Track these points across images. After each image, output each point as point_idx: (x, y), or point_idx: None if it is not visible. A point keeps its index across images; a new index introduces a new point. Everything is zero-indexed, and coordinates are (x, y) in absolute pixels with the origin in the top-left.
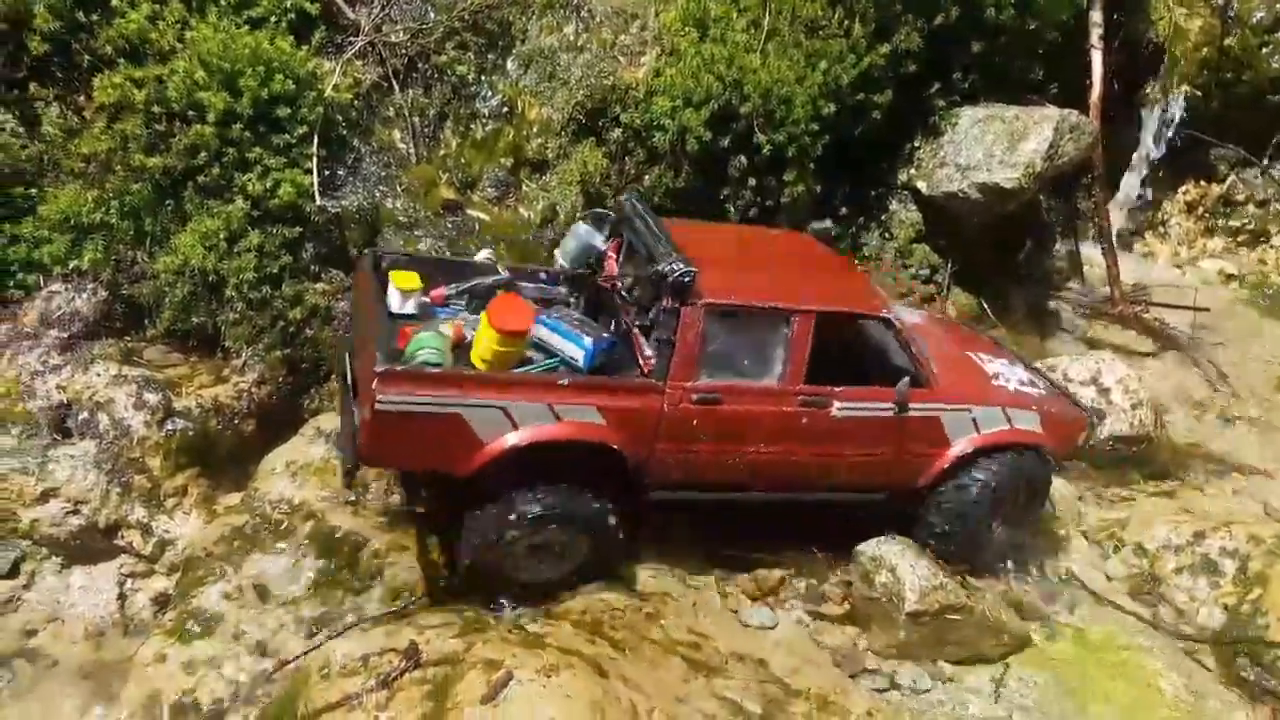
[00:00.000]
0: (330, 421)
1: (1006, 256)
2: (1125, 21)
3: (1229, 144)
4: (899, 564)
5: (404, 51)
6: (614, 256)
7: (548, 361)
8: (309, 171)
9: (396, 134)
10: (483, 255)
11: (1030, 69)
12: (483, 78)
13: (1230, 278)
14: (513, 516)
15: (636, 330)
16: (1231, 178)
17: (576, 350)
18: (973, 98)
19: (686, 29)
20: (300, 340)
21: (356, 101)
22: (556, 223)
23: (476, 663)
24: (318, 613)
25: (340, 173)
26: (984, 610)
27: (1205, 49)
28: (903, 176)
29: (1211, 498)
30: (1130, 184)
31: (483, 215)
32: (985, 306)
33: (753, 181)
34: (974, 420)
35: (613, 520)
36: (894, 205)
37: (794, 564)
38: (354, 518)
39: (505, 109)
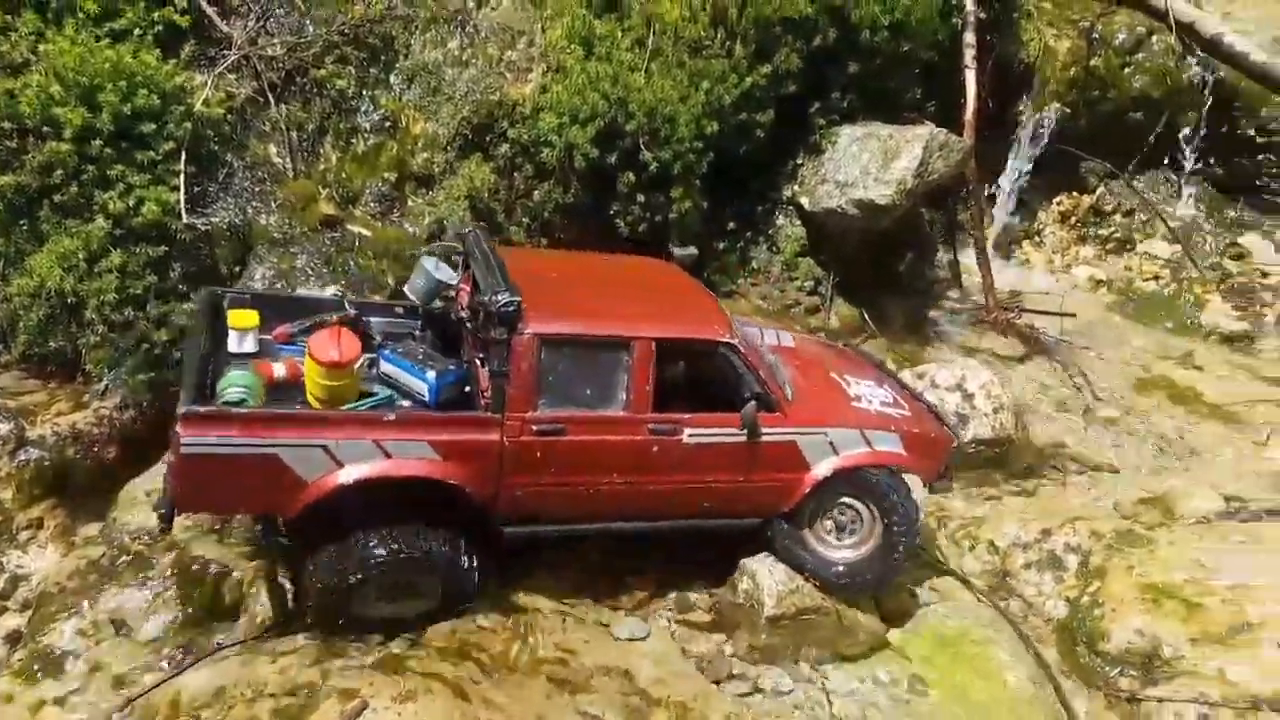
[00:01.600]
0: None
1: (888, 268)
2: (998, 43)
3: (1096, 158)
4: (758, 570)
5: (281, 65)
6: (465, 289)
7: (378, 398)
8: (175, 188)
9: (273, 149)
10: (330, 291)
11: (908, 88)
12: (364, 92)
13: (1099, 283)
14: (356, 560)
15: (478, 362)
16: (1100, 189)
17: (420, 384)
18: (854, 116)
19: (572, 47)
20: (167, 363)
21: (230, 116)
22: (443, 238)
23: (332, 692)
24: (177, 646)
25: (211, 189)
26: (841, 610)
27: (1073, 69)
28: (787, 193)
29: (1065, 496)
30: (1006, 196)
31: (364, 230)
32: (866, 317)
33: (641, 198)
34: (830, 443)
35: (464, 559)
36: (780, 220)
37: (666, 575)
38: (218, 547)
39: (388, 123)
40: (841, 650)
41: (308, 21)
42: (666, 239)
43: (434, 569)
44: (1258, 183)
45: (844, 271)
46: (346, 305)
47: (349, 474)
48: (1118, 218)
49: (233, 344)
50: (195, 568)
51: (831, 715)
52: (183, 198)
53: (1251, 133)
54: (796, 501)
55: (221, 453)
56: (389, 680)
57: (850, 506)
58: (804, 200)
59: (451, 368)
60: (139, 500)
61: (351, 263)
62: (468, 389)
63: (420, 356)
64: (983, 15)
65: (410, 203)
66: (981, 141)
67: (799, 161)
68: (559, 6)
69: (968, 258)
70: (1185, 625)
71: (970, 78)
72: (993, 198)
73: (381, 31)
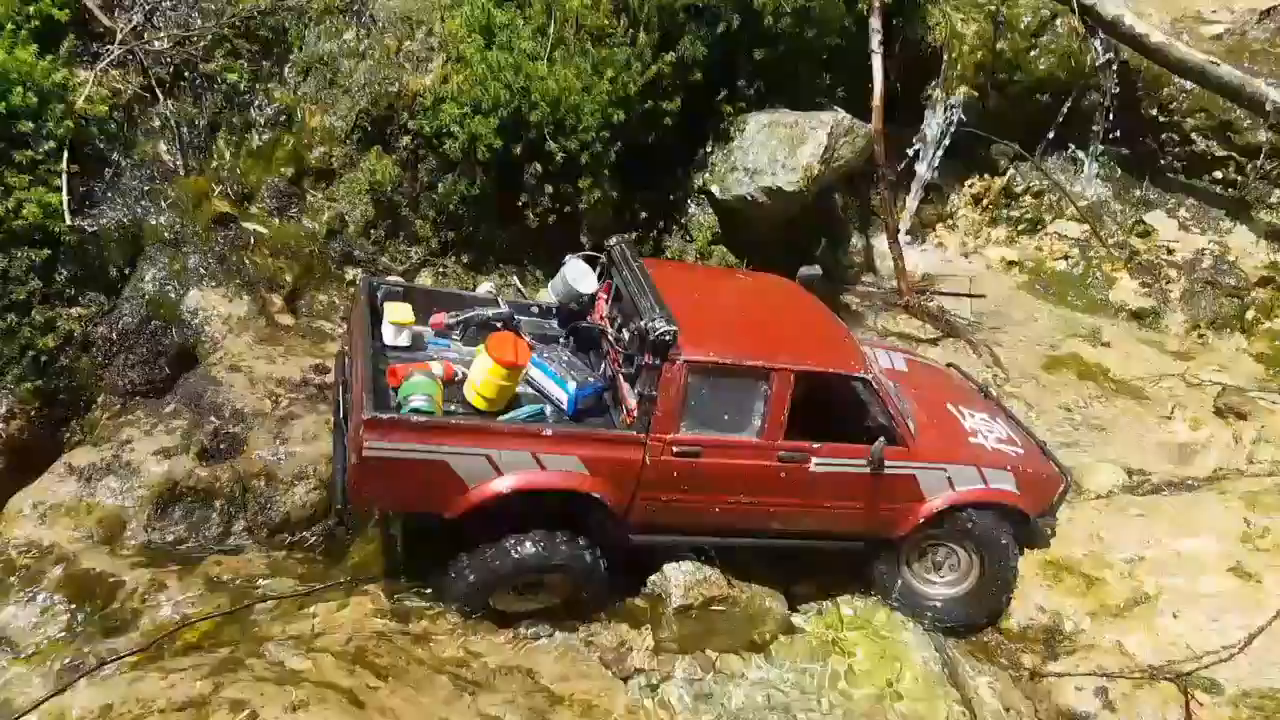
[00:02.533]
0: (84, 457)
1: (802, 253)
2: (904, 27)
3: (1005, 140)
4: (666, 562)
5: (169, 60)
6: (604, 298)
7: (531, 408)
8: (58, 189)
9: (162, 146)
10: (484, 289)
11: (817, 75)
12: (258, 85)
13: (1012, 264)
14: (509, 560)
15: (622, 377)
16: (1011, 171)
17: (562, 394)
18: (763, 104)
19: (472, 36)
20: (55, 369)
21: (116, 113)
22: (345, 233)
23: (222, 704)
24: (66, 661)
25: (98, 189)
26: (749, 599)
27: (980, 52)
28: (698, 181)
29: None
30: (918, 180)
31: (261, 228)
32: None
33: (550, 188)
34: (949, 479)
35: (600, 565)
36: (692, 209)
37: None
38: (110, 558)
39: (284, 117)
40: (750, 638)
41: (195, 14)
42: (578, 229)
43: (576, 574)
44: (1161, 161)
45: (758, 258)
46: (500, 303)
47: (506, 482)
48: (1028, 199)
49: (388, 337)
50: (86, 580)
51: (739, 704)
52: (66, 199)
53: (1154, 112)
54: (907, 529)
55: (398, 457)
56: (280, 691)
57: (948, 547)
58: (715, 188)
59: (591, 380)
60: (25, 513)
61: (247, 261)
62: (605, 398)
63: (565, 365)
64: (888, 0)
65: (309, 198)
66: (892, 126)
67: (709, 150)
68: None
69: (881, 242)
70: (1085, 599)
71: (877, 63)
72: (906, 182)
73: (273, 23)
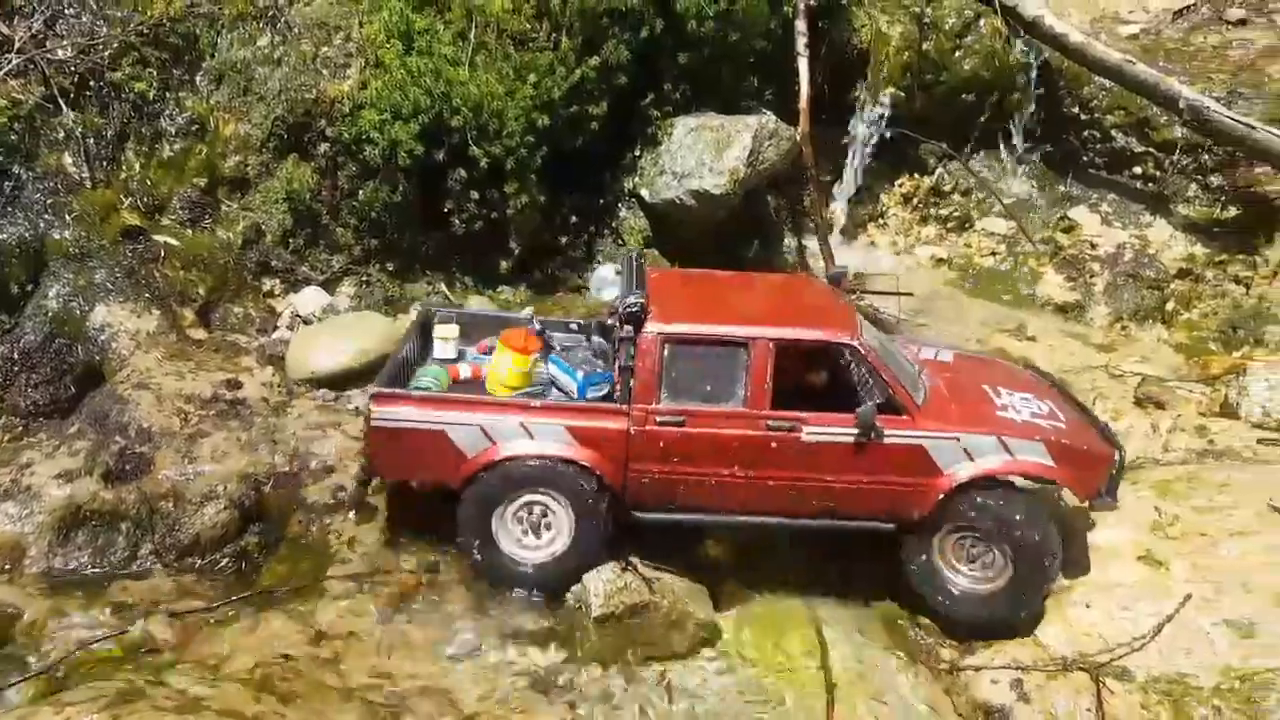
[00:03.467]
0: None
1: (734, 255)
2: (830, 29)
3: (933, 140)
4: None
5: (72, 69)
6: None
7: (532, 388)
8: None
9: (67, 158)
10: (525, 313)
11: (744, 78)
12: (168, 94)
13: (941, 261)
14: (510, 469)
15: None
16: (939, 170)
17: (572, 383)
18: (690, 107)
19: (391, 41)
20: None
21: (16, 124)
22: (262, 243)
23: None
24: None
25: None
26: (671, 605)
27: (906, 53)
28: (628, 185)
29: None
30: (848, 180)
31: (172, 240)
32: None
33: (475, 194)
34: (965, 449)
35: (600, 500)
36: (623, 212)
37: None
38: (8, 588)
39: (195, 126)
40: (673, 644)
41: (100, 22)
42: (506, 235)
43: (571, 495)
44: (1084, 158)
45: (690, 261)
46: (534, 321)
47: (500, 451)
48: (956, 197)
49: (438, 351)
50: None
51: (662, 712)
52: None
53: (1076, 110)
54: (930, 507)
55: (403, 427)
56: None
57: (976, 538)
58: (644, 192)
59: (600, 370)
60: None
61: (158, 274)
62: (616, 390)
63: (578, 361)
64: (814, 3)
65: (224, 208)
66: (821, 128)
67: (638, 153)
68: (376, 1)
69: (814, 242)
70: None
71: (803, 66)
72: (837, 182)
73: (184, 30)
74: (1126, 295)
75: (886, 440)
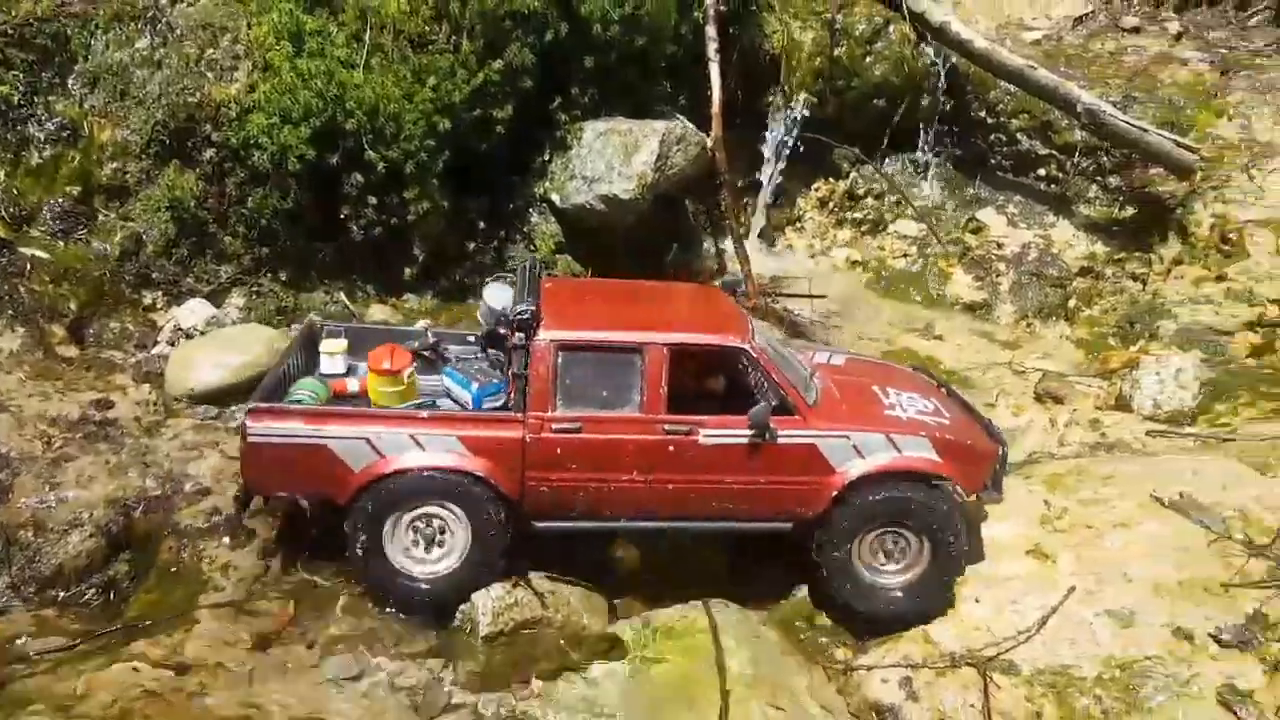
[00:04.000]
0: None
1: (652, 259)
2: (741, 35)
3: (846, 145)
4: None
5: None
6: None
7: (419, 401)
8: None
9: None
10: (421, 325)
11: (656, 82)
12: (36, 98)
13: (856, 264)
14: (391, 491)
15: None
16: (854, 174)
17: (466, 395)
18: (602, 111)
19: (281, 43)
20: None
21: None
22: (142, 254)
23: None
24: None
25: None
26: (565, 619)
27: (818, 59)
28: (539, 189)
29: None
30: (763, 184)
31: (41, 253)
32: None
33: (373, 200)
34: (854, 447)
35: (498, 510)
36: (535, 217)
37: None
38: None
39: (68, 132)
40: (568, 659)
41: None
42: (409, 241)
43: (466, 505)
44: (991, 161)
45: (605, 266)
46: (428, 334)
47: (389, 464)
48: (870, 201)
49: (325, 367)
50: None
51: None
52: None
53: (983, 114)
54: (824, 505)
55: (280, 442)
56: None
57: (894, 532)
58: (555, 197)
59: (495, 381)
60: None
61: (23, 290)
62: (510, 399)
63: (473, 373)
64: (723, 8)
65: (101, 217)
66: (737, 133)
67: (547, 158)
68: (265, 2)
69: (731, 246)
70: None
71: (714, 71)
72: (754, 186)
73: (53, 31)
74: (1031, 294)
75: (780, 441)
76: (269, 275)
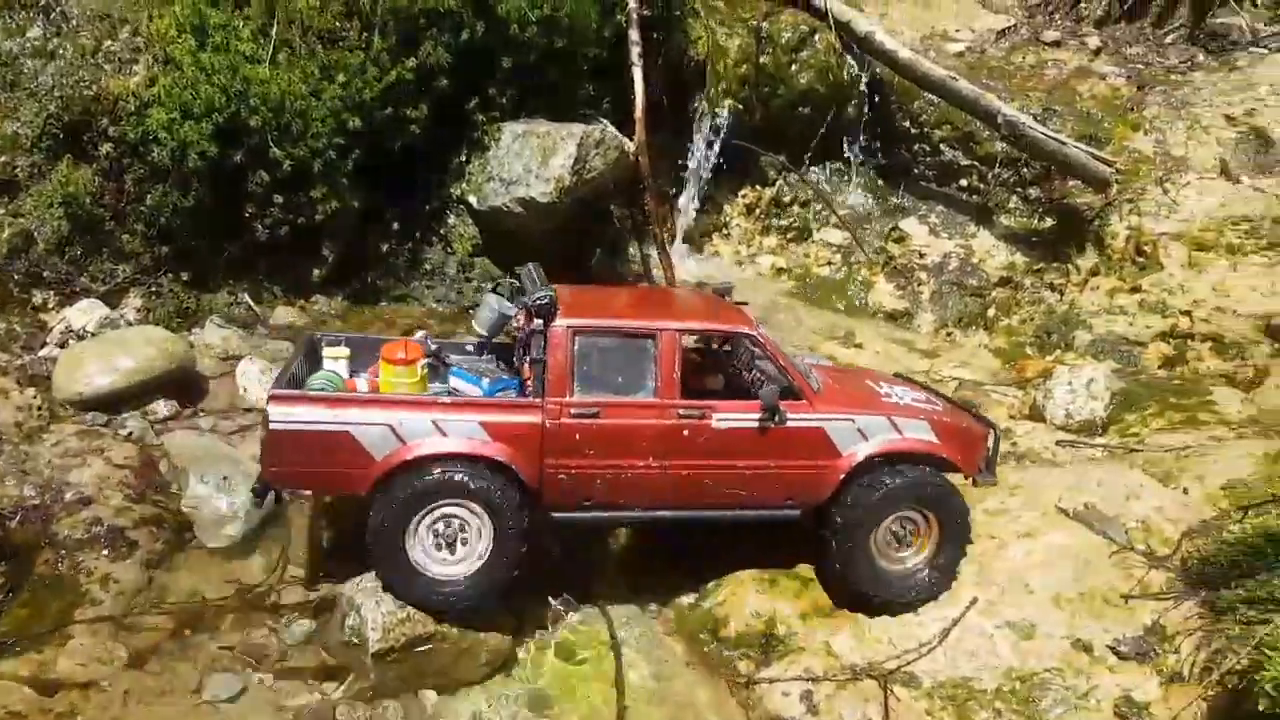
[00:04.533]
0: None
1: (577, 264)
2: (666, 40)
3: (772, 152)
4: (364, 602)
5: None
6: (522, 318)
7: (439, 388)
8: None
9: None
10: (418, 336)
11: (579, 85)
12: None
13: (781, 271)
14: (410, 488)
15: (530, 374)
16: (780, 182)
17: (476, 390)
18: (522, 112)
19: (183, 36)
20: None
21: None
22: (32, 252)
23: None
24: None
25: None
26: (460, 634)
27: (744, 66)
28: (456, 191)
29: None
30: (689, 190)
31: None
32: None
33: (279, 198)
34: (859, 430)
35: (517, 503)
36: (452, 219)
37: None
38: None
39: None
40: (463, 675)
41: None
42: (319, 242)
43: (487, 502)
44: (915, 170)
45: None
46: (429, 342)
47: (411, 451)
48: (796, 208)
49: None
50: None
51: None
52: None
53: (907, 125)
54: (832, 488)
55: (302, 429)
56: None
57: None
58: (473, 198)
59: (504, 378)
60: None
61: None
62: (528, 388)
63: (481, 371)
64: (647, 12)
65: None
66: (664, 138)
67: (465, 158)
68: None
69: (657, 252)
70: (798, 601)
71: (637, 75)
72: (680, 192)
73: None
74: (951, 303)
75: (789, 424)
76: (169, 275)
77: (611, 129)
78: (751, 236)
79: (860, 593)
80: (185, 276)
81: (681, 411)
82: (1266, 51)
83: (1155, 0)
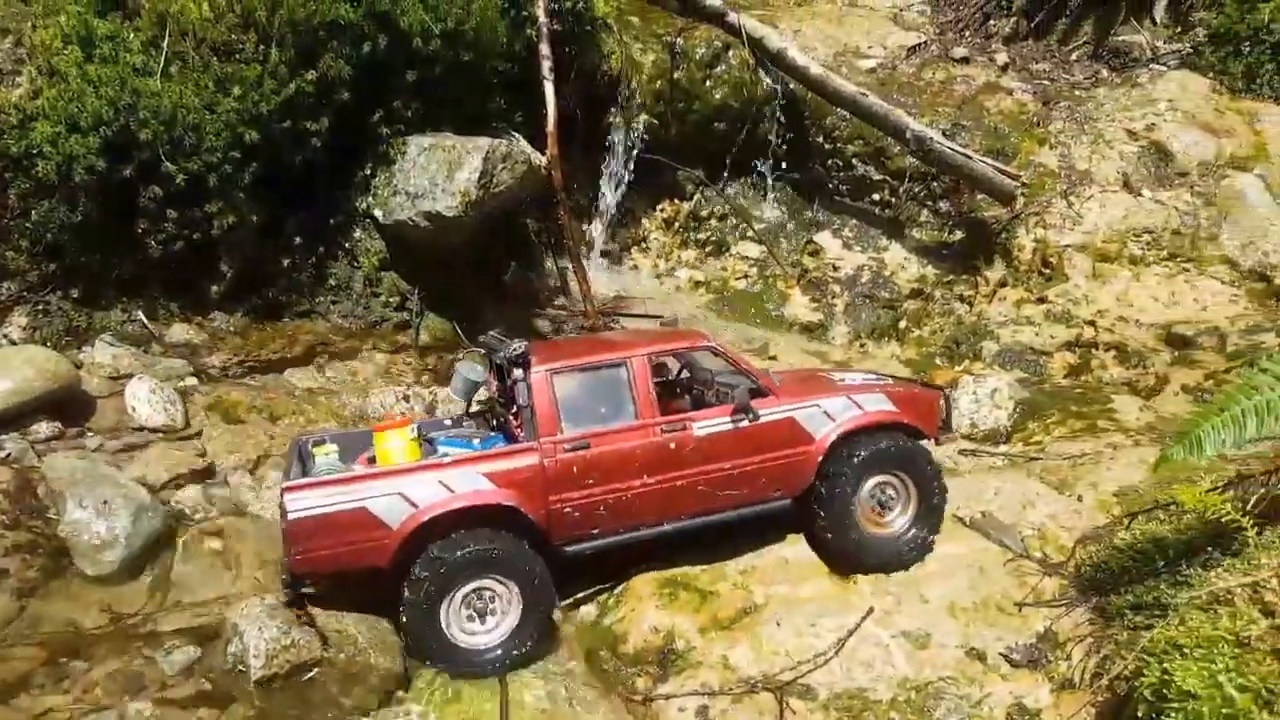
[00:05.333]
0: None
1: (491, 278)
2: (579, 55)
3: (689, 167)
4: (247, 628)
5: None
6: (494, 381)
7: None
8: None
9: None
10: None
11: (489, 99)
12: None
13: (699, 284)
14: (432, 564)
15: (508, 418)
16: (698, 196)
17: (470, 452)
18: (431, 126)
19: (69, 48)
20: None
21: None
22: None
23: None
24: None
25: None
26: (350, 658)
27: (658, 81)
28: (361, 204)
29: None
30: (605, 205)
31: None
32: (459, 330)
33: (173, 214)
34: (825, 413)
35: (539, 566)
36: (357, 233)
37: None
38: None
39: None
40: (353, 702)
41: None
42: (215, 256)
43: (512, 570)
44: (829, 185)
45: (437, 284)
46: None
47: (426, 514)
48: (713, 222)
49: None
50: None
51: None
52: None
53: (820, 140)
54: (814, 472)
55: (319, 513)
56: None
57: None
58: (378, 212)
59: (493, 435)
60: None
61: None
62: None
63: (468, 434)
64: (558, 27)
65: None
66: (581, 153)
67: (369, 172)
68: (53, 3)
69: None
70: (697, 615)
71: (549, 90)
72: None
73: None
74: (864, 315)
75: (763, 419)
76: (57, 293)
77: (522, 142)
78: (670, 250)
79: (852, 557)
80: (75, 294)
81: (664, 428)
82: (1166, 68)
83: (1061, 18)
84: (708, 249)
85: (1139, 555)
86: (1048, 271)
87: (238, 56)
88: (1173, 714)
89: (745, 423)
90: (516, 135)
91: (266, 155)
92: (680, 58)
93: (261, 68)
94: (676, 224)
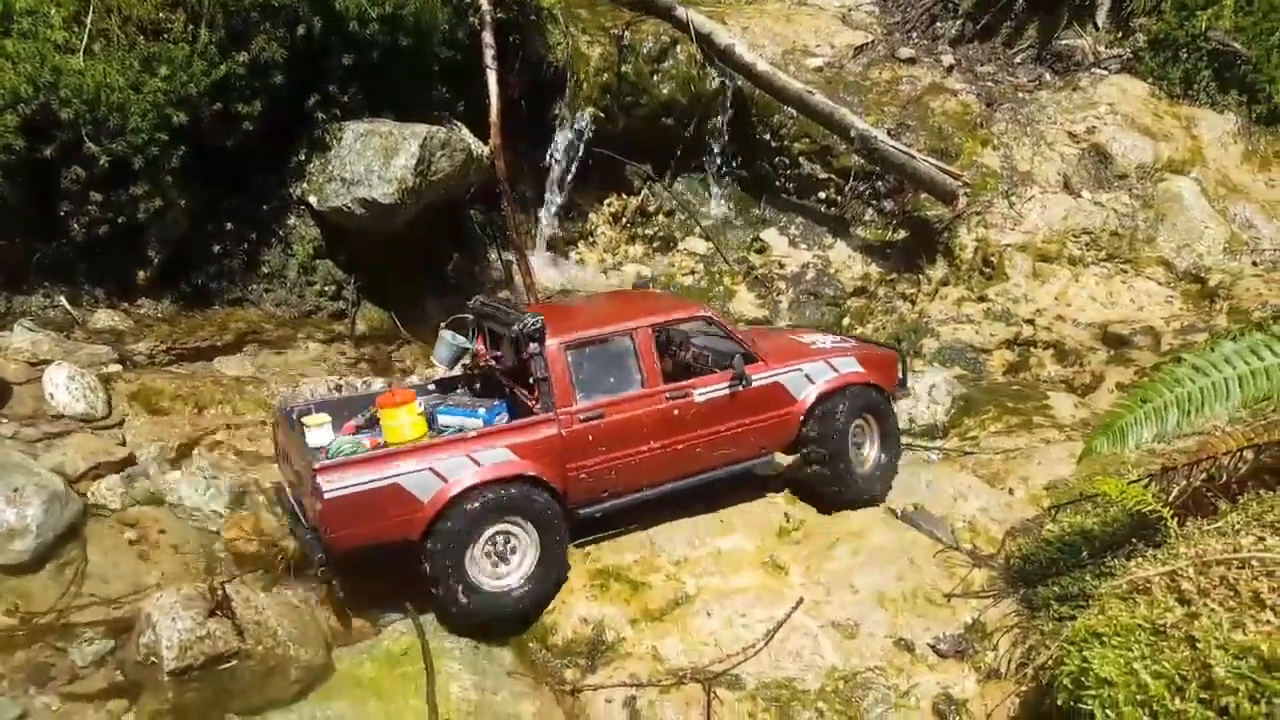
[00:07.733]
0: None
1: (432, 269)
2: (523, 44)
3: (636, 161)
4: (160, 619)
5: None
6: (483, 348)
7: (451, 430)
8: None
9: None
10: (378, 385)
11: (430, 86)
12: None
13: (646, 279)
14: (472, 508)
15: (516, 388)
16: (645, 191)
17: (476, 421)
18: (369, 112)
19: None
20: None
21: None
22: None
23: None
24: None
25: None
26: (268, 650)
27: (605, 74)
28: (296, 190)
29: None
30: (551, 197)
31: None
32: (396, 320)
33: (98, 196)
34: (806, 376)
35: (555, 510)
36: (292, 220)
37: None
38: None
39: None
40: (271, 695)
41: None
42: (142, 241)
43: (531, 515)
44: (776, 183)
45: (375, 274)
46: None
47: (455, 487)
48: (661, 218)
49: (315, 440)
50: None
51: None
52: None
53: (768, 137)
54: (797, 430)
55: (355, 491)
56: None
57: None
58: (313, 199)
59: (496, 403)
60: None
61: None
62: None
63: (469, 403)
64: (501, 15)
65: None
66: (523, 145)
67: (304, 158)
68: None
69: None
70: (628, 606)
71: (492, 79)
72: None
73: None
74: (809, 311)
75: (755, 384)
76: None
77: (463, 130)
78: (617, 245)
79: (840, 492)
80: None
81: (669, 395)
82: (1107, 73)
83: (1006, 22)
84: (655, 244)
85: (1066, 547)
86: (989, 271)
87: (165, 36)
88: (1090, 701)
89: (740, 388)
90: (458, 124)
91: (196, 138)
92: (628, 51)
93: (190, 48)
94: (624, 219)
